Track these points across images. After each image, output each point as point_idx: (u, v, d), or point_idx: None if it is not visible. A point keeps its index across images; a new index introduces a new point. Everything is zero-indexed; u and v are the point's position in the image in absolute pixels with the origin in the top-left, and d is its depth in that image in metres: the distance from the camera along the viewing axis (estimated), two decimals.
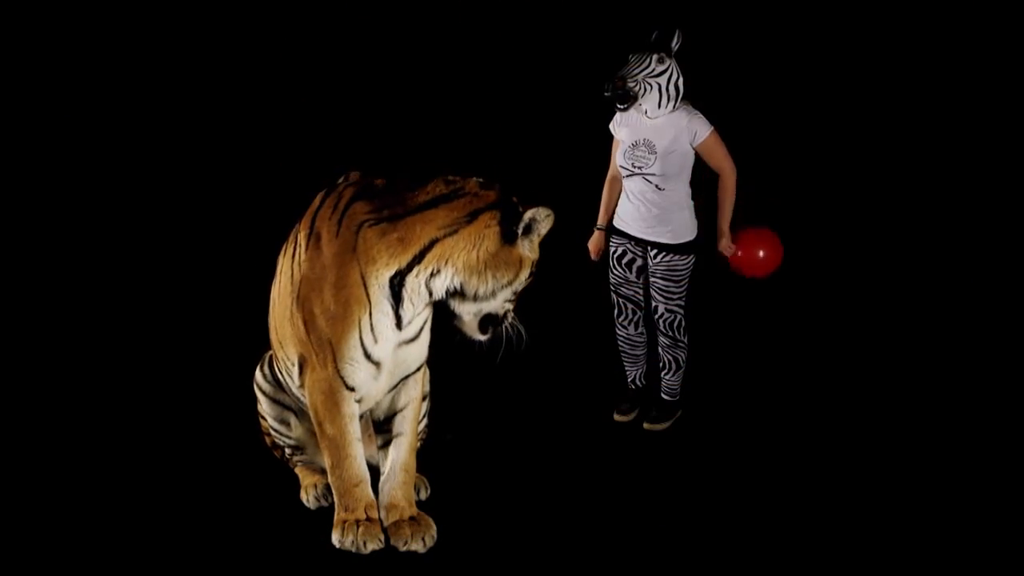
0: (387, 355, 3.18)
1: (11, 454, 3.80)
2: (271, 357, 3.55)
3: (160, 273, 5.56)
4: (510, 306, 3.22)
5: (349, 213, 3.11)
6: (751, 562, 3.21)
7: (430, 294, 3.11)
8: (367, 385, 3.21)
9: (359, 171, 3.29)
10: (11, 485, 3.58)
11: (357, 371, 3.15)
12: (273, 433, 3.61)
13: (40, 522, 3.37)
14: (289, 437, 3.57)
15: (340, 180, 3.28)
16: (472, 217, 3.05)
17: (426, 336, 3.28)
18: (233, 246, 5.59)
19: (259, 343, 3.64)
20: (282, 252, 3.39)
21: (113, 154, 5.86)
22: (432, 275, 3.07)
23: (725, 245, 3.96)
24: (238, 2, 5.81)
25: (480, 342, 3.25)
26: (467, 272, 3.06)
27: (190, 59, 5.85)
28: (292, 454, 3.62)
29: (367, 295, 3.07)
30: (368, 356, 3.14)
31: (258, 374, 3.60)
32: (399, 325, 3.14)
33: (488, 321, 3.21)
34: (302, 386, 3.30)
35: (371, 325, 3.11)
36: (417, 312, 3.16)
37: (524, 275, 3.12)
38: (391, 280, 3.08)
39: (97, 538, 3.28)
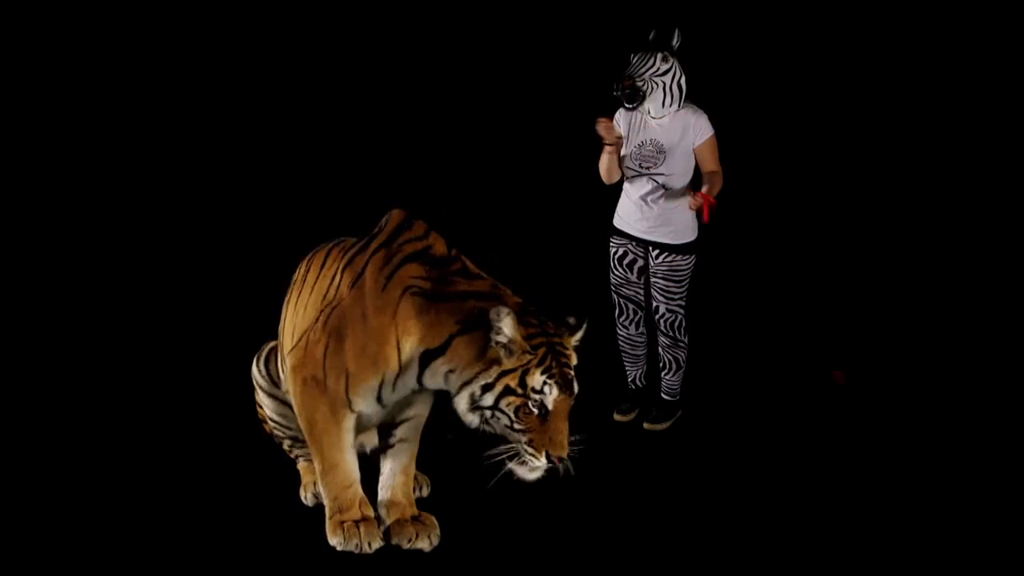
0: (397, 399, 3.18)
1: (11, 452, 3.78)
2: (268, 353, 3.55)
3: (160, 270, 5.55)
4: (524, 438, 2.98)
5: (400, 273, 3.06)
6: (751, 562, 3.21)
7: (445, 380, 3.03)
8: (370, 412, 3.22)
9: (424, 221, 3.17)
10: (11, 483, 3.56)
11: (366, 405, 3.15)
12: (271, 424, 3.61)
13: (39, 519, 3.35)
14: (288, 429, 3.55)
15: (394, 221, 3.18)
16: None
17: None
18: (232, 244, 5.59)
19: (259, 337, 3.64)
20: (309, 261, 3.38)
21: (113, 155, 5.86)
22: (450, 371, 3.00)
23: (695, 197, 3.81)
24: (238, 7, 5.83)
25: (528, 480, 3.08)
26: (469, 370, 2.96)
27: (188, 59, 5.85)
28: (292, 447, 3.61)
29: (399, 360, 3.04)
30: (379, 399, 3.15)
31: (255, 369, 3.59)
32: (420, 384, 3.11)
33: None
34: (287, 391, 3.30)
35: (393, 383, 3.09)
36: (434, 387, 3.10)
37: (484, 379, 2.92)
38: (421, 357, 3.02)
39: (96, 536, 3.27)
